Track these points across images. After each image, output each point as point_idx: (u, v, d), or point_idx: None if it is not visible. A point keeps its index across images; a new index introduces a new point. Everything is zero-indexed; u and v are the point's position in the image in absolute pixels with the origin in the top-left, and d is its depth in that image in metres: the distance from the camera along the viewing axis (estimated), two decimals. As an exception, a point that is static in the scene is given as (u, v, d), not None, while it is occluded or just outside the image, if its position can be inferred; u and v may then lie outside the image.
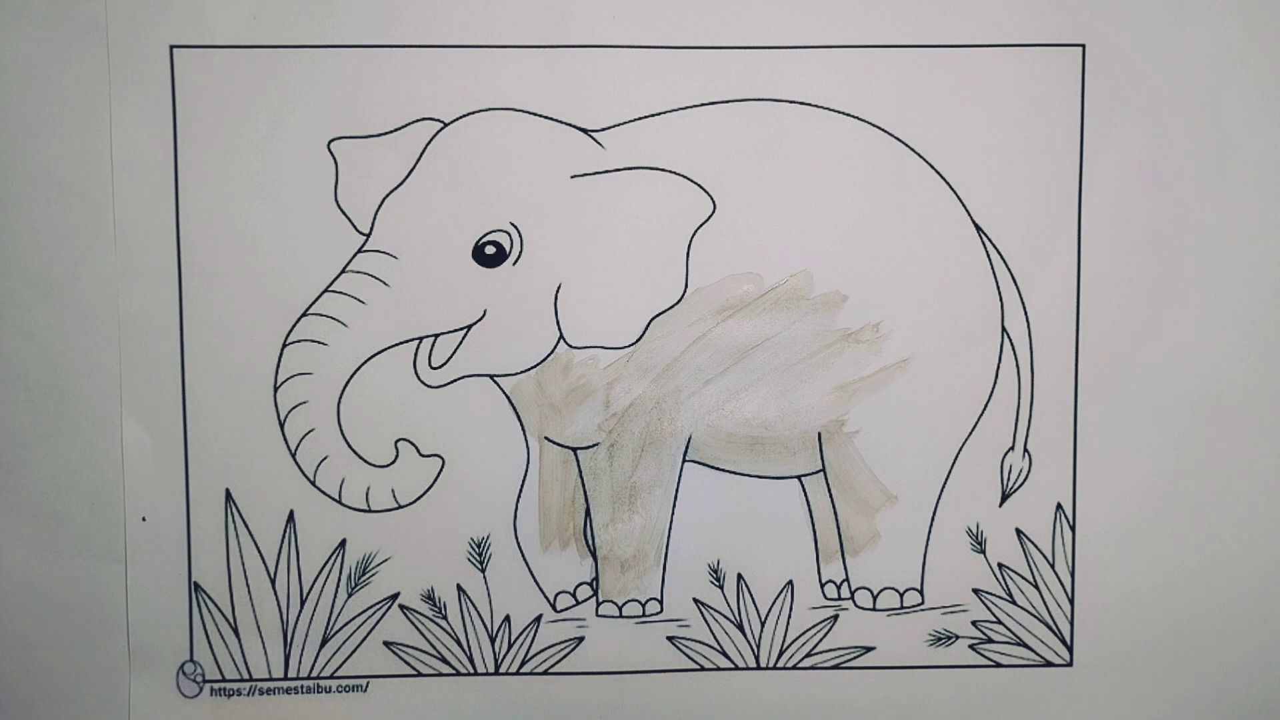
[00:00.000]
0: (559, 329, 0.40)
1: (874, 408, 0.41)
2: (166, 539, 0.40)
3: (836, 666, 0.42)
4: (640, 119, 0.40)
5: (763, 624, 0.42)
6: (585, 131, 0.40)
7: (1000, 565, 0.42)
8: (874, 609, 0.42)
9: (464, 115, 0.39)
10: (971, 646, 0.42)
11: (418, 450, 0.40)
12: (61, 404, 0.40)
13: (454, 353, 0.40)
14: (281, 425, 0.40)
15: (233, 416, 0.40)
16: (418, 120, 0.39)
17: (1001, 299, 0.41)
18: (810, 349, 0.41)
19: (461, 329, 0.40)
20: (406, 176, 0.39)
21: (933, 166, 0.40)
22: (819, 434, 0.41)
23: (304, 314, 0.40)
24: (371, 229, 0.40)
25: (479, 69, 0.39)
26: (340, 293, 0.39)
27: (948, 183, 0.40)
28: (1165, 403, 0.41)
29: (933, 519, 0.41)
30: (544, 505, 0.41)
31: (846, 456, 0.41)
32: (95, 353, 0.40)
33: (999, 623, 0.42)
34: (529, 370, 0.40)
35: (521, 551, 0.41)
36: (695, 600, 0.42)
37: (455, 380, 0.40)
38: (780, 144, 0.40)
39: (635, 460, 0.41)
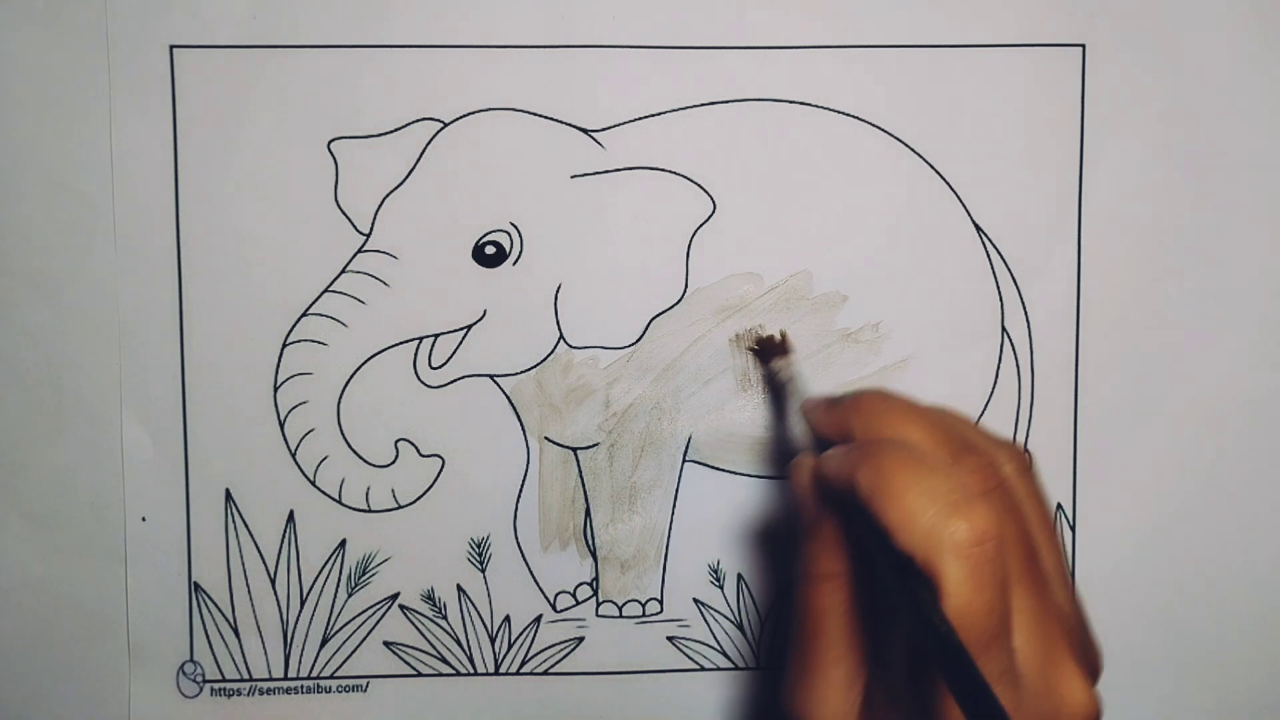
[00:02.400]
0: (559, 329, 0.40)
1: (874, 408, 0.41)
2: (166, 539, 0.40)
3: (836, 666, 0.42)
4: (640, 119, 0.40)
5: (763, 624, 0.42)
6: (585, 131, 0.40)
7: (1000, 565, 0.42)
8: (874, 609, 0.42)
9: (464, 115, 0.39)
10: (971, 646, 0.42)
11: (418, 450, 0.40)
12: (61, 404, 0.40)
13: (454, 353, 0.40)
14: (281, 425, 0.40)
15: (233, 416, 0.40)
16: (418, 120, 0.39)
17: (1001, 299, 0.41)
18: (810, 349, 0.41)
19: (461, 329, 0.40)
20: (406, 176, 0.39)
21: (933, 167, 0.40)
22: (819, 434, 0.41)
23: (304, 314, 0.40)
24: (371, 229, 0.40)
25: (479, 69, 0.39)
26: (340, 293, 0.39)
27: (948, 183, 0.40)
28: (1165, 403, 0.41)
29: (933, 519, 0.41)
30: (544, 505, 0.41)
31: (846, 456, 0.41)
32: (95, 353, 0.40)
33: (999, 623, 0.42)
34: (529, 370, 0.40)
35: (521, 551, 0.41)
36: (695, 600, 0.42)
37: (455, 380, 0.40)
38: (780, 144, 0.40)
39: (635, 460, 0.41)
